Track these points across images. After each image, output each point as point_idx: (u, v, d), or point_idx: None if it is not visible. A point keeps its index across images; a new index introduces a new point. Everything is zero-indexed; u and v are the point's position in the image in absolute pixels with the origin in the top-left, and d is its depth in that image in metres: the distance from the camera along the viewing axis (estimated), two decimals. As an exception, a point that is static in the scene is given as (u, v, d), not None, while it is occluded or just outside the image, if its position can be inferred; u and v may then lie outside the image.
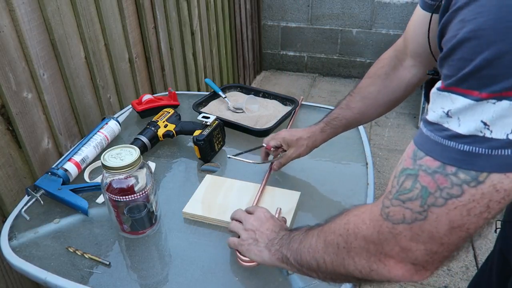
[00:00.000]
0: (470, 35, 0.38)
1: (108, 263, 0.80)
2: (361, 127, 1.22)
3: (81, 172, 1.04)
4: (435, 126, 0.44)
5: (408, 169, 0.46)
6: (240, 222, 0.78)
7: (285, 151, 0.97)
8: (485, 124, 0.39)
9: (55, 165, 1.00)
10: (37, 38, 1.12)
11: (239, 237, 0.76)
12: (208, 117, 1.09)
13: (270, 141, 0.98)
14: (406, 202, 0.46)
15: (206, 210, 0.91)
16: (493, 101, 0.38)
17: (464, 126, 0.40)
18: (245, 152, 1.04)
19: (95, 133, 1.11)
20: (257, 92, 1.39)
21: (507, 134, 0.38)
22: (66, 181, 0.98)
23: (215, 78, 2.55)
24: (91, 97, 1.39)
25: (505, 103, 0.38)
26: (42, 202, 0.93)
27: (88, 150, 1.06)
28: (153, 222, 0.87)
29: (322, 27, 3.28)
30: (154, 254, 0.84)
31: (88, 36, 1.32)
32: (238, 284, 0.77)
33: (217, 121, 1.10)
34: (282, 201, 0.91)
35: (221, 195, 0.95)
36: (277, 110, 1.30)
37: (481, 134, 0.39)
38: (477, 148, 0.40)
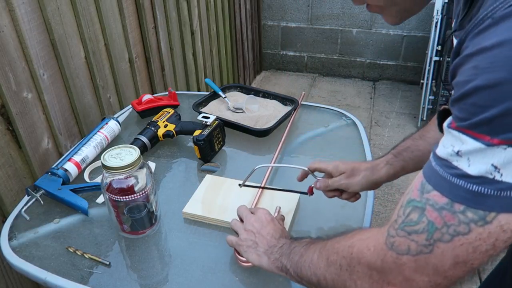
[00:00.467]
0: (485, 83, 0.39)
1: (108, 263, 0.80)
2: (360, 127, 1.22)
3: (81, 172, 1.04)
4: (444, 162, 0.44)
5: (414, 200, 0.47)
6: (241, 220, 0.79)
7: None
8: (495, 167, 0.40)
9: (55, 165, 1.00)
10: (37, 38, 1.12)
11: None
12: (208, 117, 1.09)
13: (316, 162, 0.87)
14: (411, 234, 0.46)
15: (206, 210, 0.91)
16: (504, 146, 0.39)
17: (474, 167, 0.41)
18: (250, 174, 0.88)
19: (95, 133, 1.11)
20: (257, 92, 1.39)
21: None
22: (66, 181, 0.98)
23: (215, 78, 2.55)
24: (91, 97, 1.39)
25: None
26: (42, 202, 0.93)
27: (88, 150, 1.06)
28: (153, 222, 0.87)
29: (322, 27, 3.28)
30: (154, 254, 0.84)
31: (88, 36, 1.32)
32: (238, 284, 0.77)
33: (217, 121, 1.10)
34: (282, 202, 0.91)
35: (221, 195, 0.95)
36: (277, 110, 1.30)
37: (491, 177, 0.40)
38: (486, 189, 0.41)
